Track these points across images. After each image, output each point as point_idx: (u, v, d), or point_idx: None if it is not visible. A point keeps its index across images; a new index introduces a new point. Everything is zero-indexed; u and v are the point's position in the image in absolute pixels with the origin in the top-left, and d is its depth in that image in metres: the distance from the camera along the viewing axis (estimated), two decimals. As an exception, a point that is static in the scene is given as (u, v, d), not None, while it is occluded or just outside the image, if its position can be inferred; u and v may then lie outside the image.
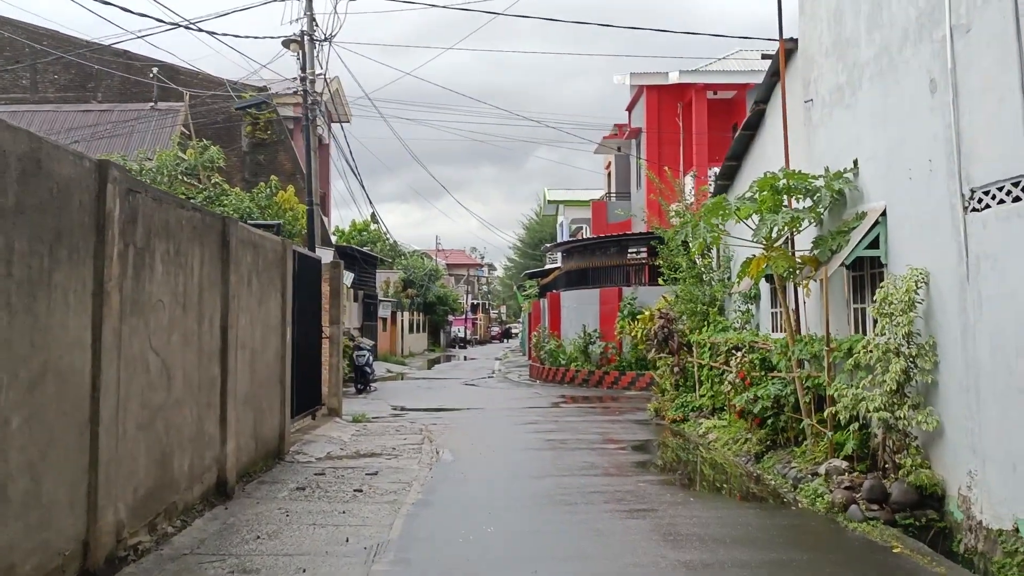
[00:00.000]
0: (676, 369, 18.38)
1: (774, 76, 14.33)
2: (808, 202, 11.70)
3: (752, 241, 11.63)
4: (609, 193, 41.03)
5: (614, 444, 14.87)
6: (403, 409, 21.33)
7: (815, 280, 11.23)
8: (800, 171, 11.29)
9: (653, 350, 19.57)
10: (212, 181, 25.30)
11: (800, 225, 11.63)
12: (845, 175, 11.18)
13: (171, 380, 8.13)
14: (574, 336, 29.04)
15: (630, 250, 28.45)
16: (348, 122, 40.09)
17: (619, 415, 19.52)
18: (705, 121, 31.35)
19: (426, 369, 42.89)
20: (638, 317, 21.42)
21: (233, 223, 9.96)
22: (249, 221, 14.72)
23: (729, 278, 17.97)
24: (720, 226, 12.00)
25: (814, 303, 12.42)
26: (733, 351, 14.95)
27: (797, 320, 12.48)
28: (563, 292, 31.44)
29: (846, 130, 11.42)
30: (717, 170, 29.64)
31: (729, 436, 14.07)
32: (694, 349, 17.58)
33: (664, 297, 20.45)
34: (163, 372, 7.94)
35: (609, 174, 43.44)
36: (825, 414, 10.44)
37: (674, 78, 31.78)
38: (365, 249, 47.69)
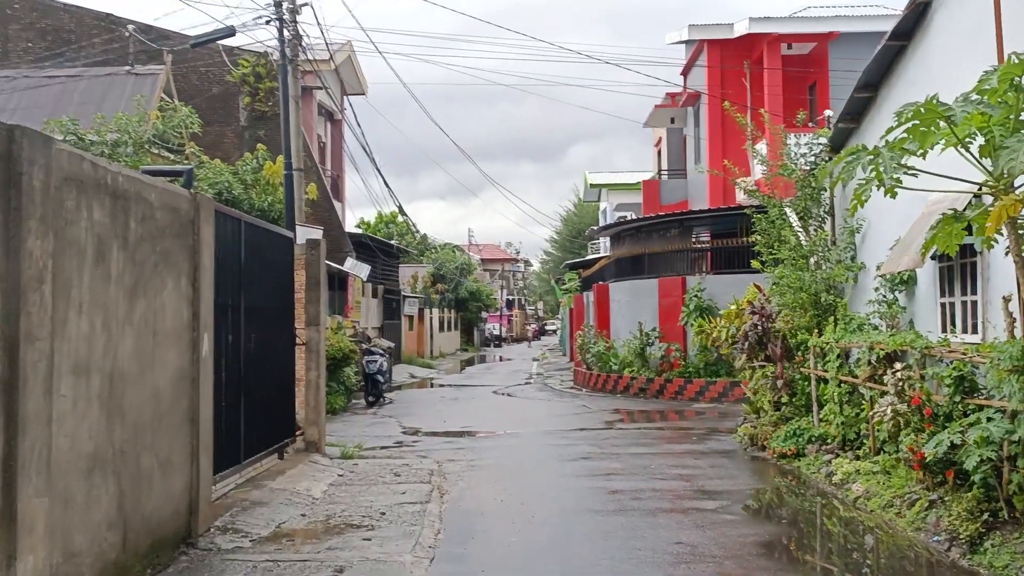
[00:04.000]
0: (780, 383, 13.49)
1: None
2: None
3: (992, 180, 6.73)
4: (660, 171, 36.05)
5: (711, 501, 10.00)
6: (415, 432, 16.64)
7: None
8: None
9: (743, 356, 14.71)
10: (187, 151, 20.83)
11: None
12: None
13: None
14: (628, 336, 24.13)
15: (696, 231, 23.54)
16: (363, 94, 35.43)
17: (699, 442, 14.67)
18: (780, 79, 26.30)
19: (456, 372, 38.25)
20: (721, 313, 16.48)
21: (39, 143, 5.27)
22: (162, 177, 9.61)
23: (854, 257, 13.07)
24: (904, 164, 7.07)
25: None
26: (886, 361, 10.09)
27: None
28: (612, 283, 26.55)
29: None
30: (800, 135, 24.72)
31: (892, 493, 9.15)
32: (810, 355, 12.68)
33: (755, 286, 15.57)
34: None
35: (659, 151, 38.47)
36: None
37: (741, 29, 26.69)
38: (392, 242, 42.90)
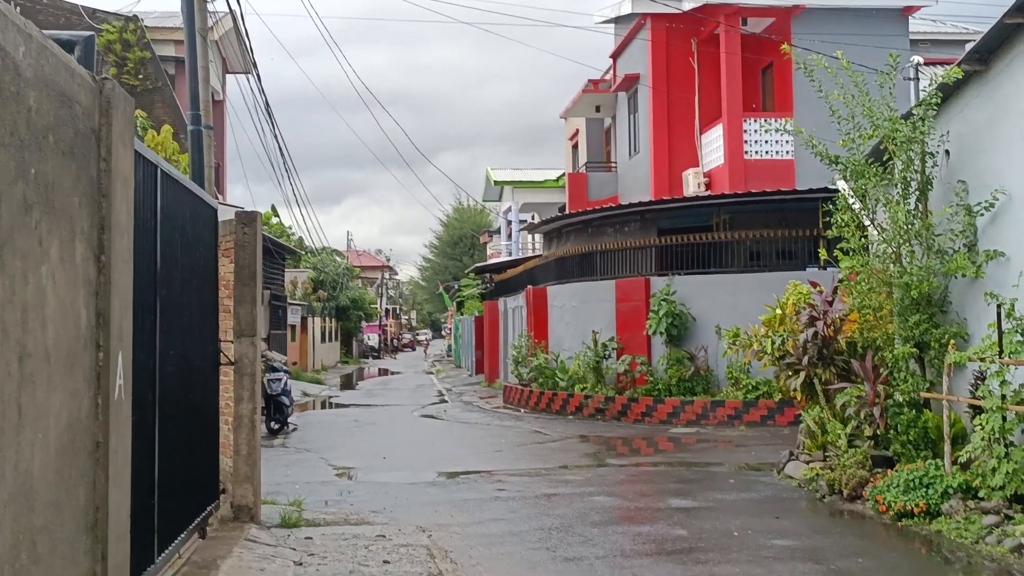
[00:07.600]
0: (875, 411, 10.18)
1: None
2: None
3: None
4: (585, 165, 32.71)
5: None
6: (354, 475, 12.74)
7: None
8: None
9: (801, 373, 11.42)
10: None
11: None
12: None
13: None
14: (577, 347, 20.71)
15: (659, 224, 20.26)
16: (250, 73, 30.91)
17: (745, 488, 11.22)
18: (739, 61, 23.38)
19: (350, 389, 34.11)
20: (759, 319, 13.08)
21: None
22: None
23: (973, 245, 9.90)
24: None
25: None
26: None
27: None
28: (552, 286, 23.03)
29: None
30: (763, 120, 21.78)
31: None
32: (943, 378, 9.40)
33: (811, 283, 12.30)
34: None
35: (575, 145, 35.24)
36: None
37: (693, 1, 23.64)
38: (283, 242, 38.04)
